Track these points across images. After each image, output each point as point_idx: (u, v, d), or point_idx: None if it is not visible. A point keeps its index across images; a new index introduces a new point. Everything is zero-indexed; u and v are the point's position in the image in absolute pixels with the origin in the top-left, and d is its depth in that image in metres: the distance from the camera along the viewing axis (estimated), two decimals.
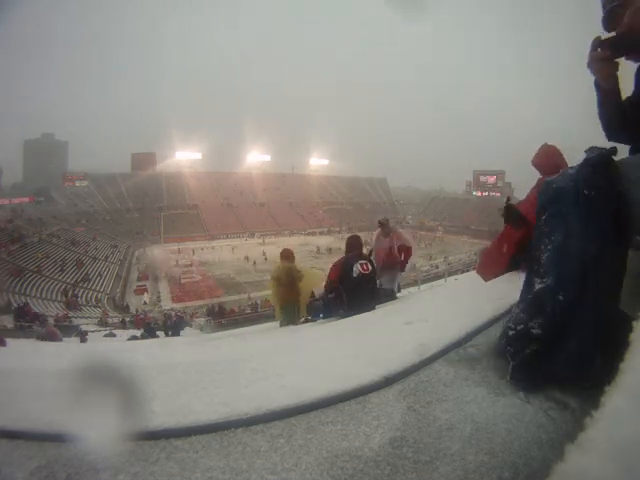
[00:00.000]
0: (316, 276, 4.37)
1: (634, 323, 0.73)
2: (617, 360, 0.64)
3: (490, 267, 1.57)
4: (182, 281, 28.20)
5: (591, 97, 1.20)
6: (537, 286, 1.11)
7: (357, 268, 3.24)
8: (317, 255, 35.02)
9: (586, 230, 1.03)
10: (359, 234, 4.06)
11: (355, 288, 3.17)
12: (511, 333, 1.13)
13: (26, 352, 4.53)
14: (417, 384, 1.12)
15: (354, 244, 3.72)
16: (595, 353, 0.99)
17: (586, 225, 1.03)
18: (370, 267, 3.35)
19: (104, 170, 63.53)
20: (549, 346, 1.05)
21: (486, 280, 1.60)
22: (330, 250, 34.20)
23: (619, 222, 1.01)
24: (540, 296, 1.09)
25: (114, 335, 12.01)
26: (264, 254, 33.56)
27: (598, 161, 1.05)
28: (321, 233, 51.84)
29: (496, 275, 1.52)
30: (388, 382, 1.12)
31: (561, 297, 1.05)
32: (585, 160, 1.08)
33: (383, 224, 4.46)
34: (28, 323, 12.91)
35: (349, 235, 4.04)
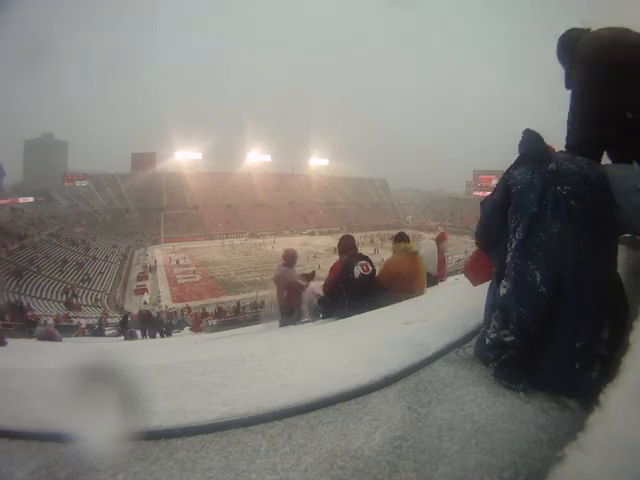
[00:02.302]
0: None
1: (634, 323, 0.73)
2: (610, 374, 0.63)
3: (479, 271, 1.54)
4: (182, 281, 28.21)
5: None
6: (502, 290, 1.06)
7: (358, 269, 3.18)
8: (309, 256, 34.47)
9: (552, 231, 0.96)
10: (359, 234, 3.93)
11: (356, 290, 3.12)
12: (487, 341, 1.10)
13: (26, 352, 4.52)
14: (417, 384, 1.12)
15: (349, 244, 3.62)
16: (581, 364, 0.93)
17: (552, 226, 0.96)
18: (370, 268, 3.28)
19: (104, 170, 63.67)
20: (530, 351, 1.00)
21: (475, 284, 1.58)
22: (330, 250, 34.04)
23: (602, 225, 0.95)
24: (505, 302, 1.04)
25: (116, 335, 12.06)
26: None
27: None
28: (321, 233, 51.82)
29: (486, 279, 1.48)
30: (388, 382, 1.12)
31: (522, 306, 0.99)
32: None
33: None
34: (20, 323, 12.81)
35: (342, 235, 3.91)
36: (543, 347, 0.99)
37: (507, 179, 1.12)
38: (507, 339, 1.02)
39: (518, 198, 1.06)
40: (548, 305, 0.96)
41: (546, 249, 0.97)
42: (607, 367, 0.88)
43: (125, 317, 12.62)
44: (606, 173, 1.01)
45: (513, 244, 1.04)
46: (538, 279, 0.97)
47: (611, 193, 0.98)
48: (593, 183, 0.98)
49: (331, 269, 3.42)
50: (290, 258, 3.97)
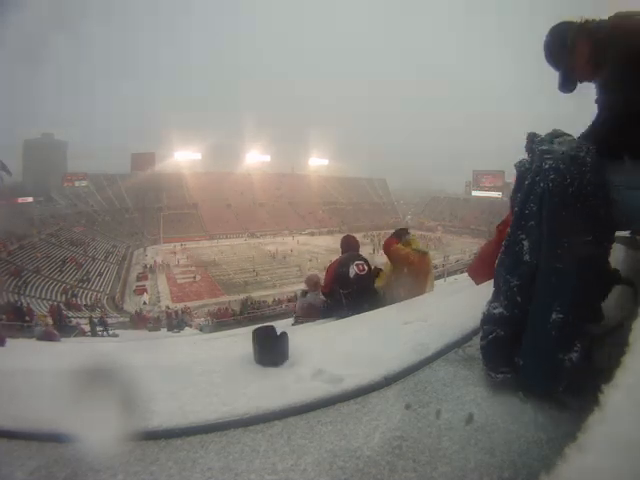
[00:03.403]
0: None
1: (634, 323, 0.73)
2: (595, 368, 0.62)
3: (482, 270, 1.54)
4: (181, 281, 28.22)
5: None
6: (496, 262, 1.06)
7: (353, 269, 3.18)
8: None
9: (536, 203, 0.95)
10: (359, 234, 3.89)
11: (353, 290, 3.12)
12: (482, 317, 1.08)
13: (26, 352, 4.52)
14: (416, 384, 1.12)
15: (350, 244, 3.63)
16: (557, 340, 0.90)
17: (538, 199, 0.95)
18: (366, 267, 3.27)
19: (104, 170, 63.61)
20: (517, 330, 0.98)
21: (477, 283, 1.58)
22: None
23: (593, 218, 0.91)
24: (496, 273, 1.05)
25: (116, 335, 12.07)
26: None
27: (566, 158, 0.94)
28: (321, 233, 51.86)
29: (489, 277, 1.47)
30: (387, 382, 1.12)
31: (509, 274, 0.99)
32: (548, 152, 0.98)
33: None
34: (20, 323, 12.76)
35: (344, 235, 3.92)
36: (525, 325, 0.97)
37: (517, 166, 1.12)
38: (496, 311, 1.01)
39: (519, 177, 1.06)
40: (532, 275, 0.96)
41: (534, 220, 0.96)
42: (596, 361, 0.86)
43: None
44: (597, 160, 0.97)
45: (513, 218, 1.04)
46: (525, 247, 0.97)
47: (600, 179, 0.94)
48: (576, 163, 0.94)
49: (327, 270, 3.43)
50: (313, 284, 3.86)
